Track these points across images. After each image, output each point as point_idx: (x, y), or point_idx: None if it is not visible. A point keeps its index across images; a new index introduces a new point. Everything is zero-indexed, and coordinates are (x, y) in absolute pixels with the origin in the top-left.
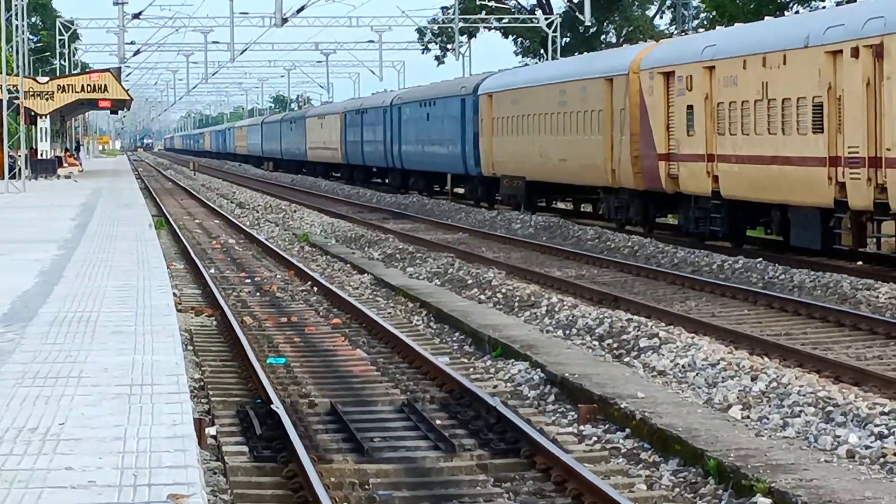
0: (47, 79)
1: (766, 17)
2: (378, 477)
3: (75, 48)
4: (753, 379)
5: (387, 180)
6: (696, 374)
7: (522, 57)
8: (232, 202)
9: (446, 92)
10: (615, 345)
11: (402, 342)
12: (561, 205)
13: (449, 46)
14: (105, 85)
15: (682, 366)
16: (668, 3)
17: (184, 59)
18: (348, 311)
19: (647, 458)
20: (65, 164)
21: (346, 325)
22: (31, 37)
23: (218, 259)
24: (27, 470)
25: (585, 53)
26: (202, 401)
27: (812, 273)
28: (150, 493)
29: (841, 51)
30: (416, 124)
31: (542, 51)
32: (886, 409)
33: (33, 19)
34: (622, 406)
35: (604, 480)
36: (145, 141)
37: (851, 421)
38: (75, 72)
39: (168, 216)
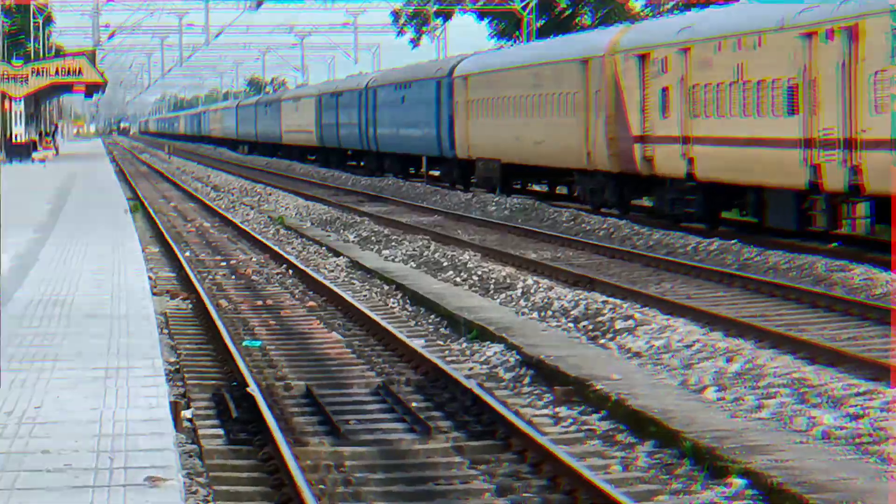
0: (21, 62)
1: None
2: (354, 459)
3: (50, 31)
4: (729, 360)
5: (362, 163)
6: (672, 356)
7: (497, 40)
8: (207, 185)
9: (421, 74)
10: (591, 326)
11: (377, 325)
12: (536, 187)
13: (424, 29)
14: (79, 68)
15: (658, 347)
16: None
17: (158, 42)
18: (324, 294)
19: (623, 440)
20: (39, 149)
21: (322, 307)
22: (4, 20)
23: (193, 242)
24: (3, 453)
25: (561, 36)
26: (178, 384)
27: (787, 255)
28: (127, 476)
29: (816, 33)
30: (392, 107)
31: (517, 33)
32: (861, 391)
33: (6, 2)
34: (598, 388)
35: (580, 462)
36: (121, 125)
37: (826, 402)
38: (49, 55)
39: (143, 200)
